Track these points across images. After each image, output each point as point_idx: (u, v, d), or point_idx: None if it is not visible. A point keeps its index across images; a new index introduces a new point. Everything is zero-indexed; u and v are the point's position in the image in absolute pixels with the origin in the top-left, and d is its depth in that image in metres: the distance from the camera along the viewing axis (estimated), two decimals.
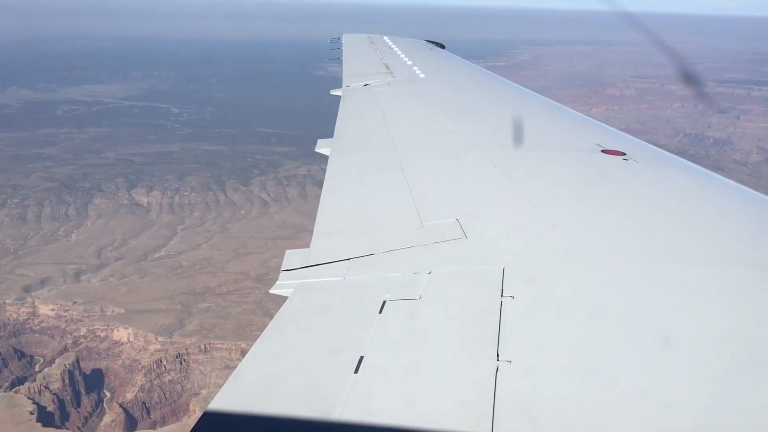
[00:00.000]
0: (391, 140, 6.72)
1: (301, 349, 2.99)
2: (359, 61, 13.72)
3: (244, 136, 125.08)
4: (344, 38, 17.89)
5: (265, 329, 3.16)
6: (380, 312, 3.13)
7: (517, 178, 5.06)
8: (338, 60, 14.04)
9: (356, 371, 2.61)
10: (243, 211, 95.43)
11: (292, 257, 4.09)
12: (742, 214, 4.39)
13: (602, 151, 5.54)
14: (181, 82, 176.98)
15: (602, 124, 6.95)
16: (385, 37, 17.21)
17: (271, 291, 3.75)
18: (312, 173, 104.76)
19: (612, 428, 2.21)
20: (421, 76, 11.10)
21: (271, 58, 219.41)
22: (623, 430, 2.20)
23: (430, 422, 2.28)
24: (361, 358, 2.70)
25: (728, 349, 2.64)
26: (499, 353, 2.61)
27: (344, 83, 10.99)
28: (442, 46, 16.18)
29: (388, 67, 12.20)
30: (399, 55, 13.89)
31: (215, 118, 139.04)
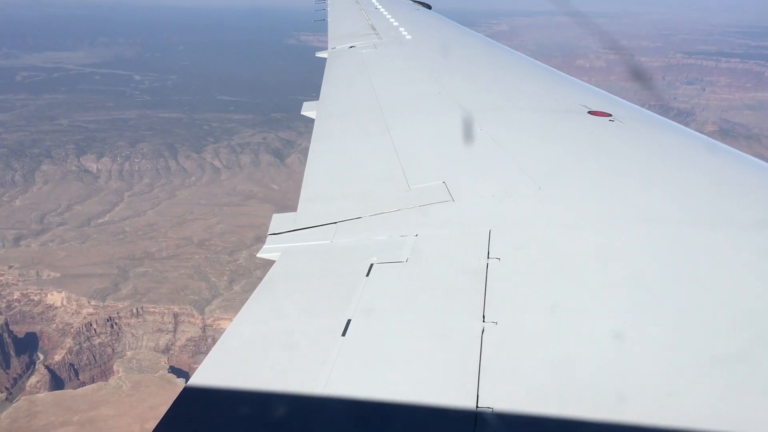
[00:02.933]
0: (377, 102, 6.68)
1: (289, 313, 3.02)
2: (345, 23, 13.57)
3: (204, 103, 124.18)
4: None
5: (253, 293, 3.14)
6: (367, 275, 3.11)
7: (503, 140, 4.99)
8: (323, 21, 14.07)
9: (344, 334, 2.62)
10: (193, 178, 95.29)
11: (278, 221, 4.03)
12: (726, 173, 4.29)
13: (588, 112, 5.47)
14: (147, 50, 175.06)
15: (589, 85, 6.87)
16: None
17: (259, 255, 3.71)
18: (267, 141, 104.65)
19: (597, 388, 2.20)
20: (408, 37, 11.00)
21: (243, 26, 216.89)
22: (609, 388, 2.19)
23: (417, 383, 2.30)
24: (349, 321, 2.71)
25: (715, 307, 2.64)
26: (485, 315, 2.62)
27: (330, 45, 10.87)
28: (429, 7, 16.01)
29: (374, 29, 12.05)
30: (385, 15, 13.74)
31: (177, 86, 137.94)
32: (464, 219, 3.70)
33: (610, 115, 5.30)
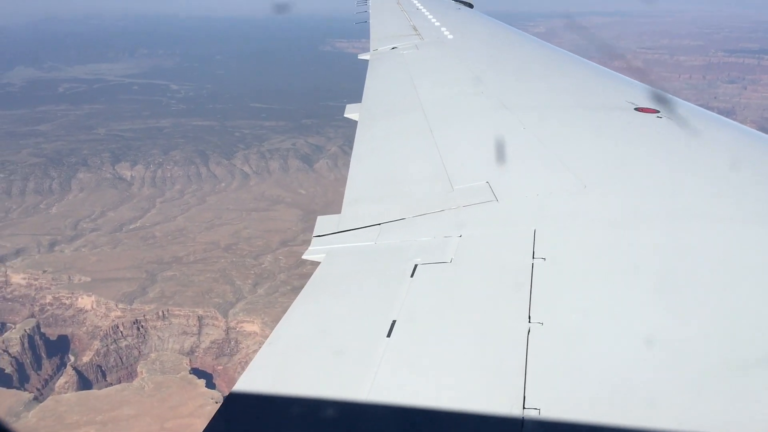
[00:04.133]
0: (419, 103, 6.62)
1: (334, 314, 3.03)
2: (386, 24, 13.53)
3: (237, 111, 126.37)
4: (371, 0, 17.62)
5: (299, 295, 3.15)
6: (412, 276, 3.10)
7: (547, 139, 4.93)
8: (365, 23, 14.00)
9: (389, 335, 2.60)
10: (223, 184, 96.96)
11: (323, 223, 4.06)
12: None
13: (635, 109, 5.35)
14: (185, 60, 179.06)
15: (637, 81, 6.70)
16: None
17: (304, 257, 3.73)
18: (296, 147, 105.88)
19: (647, 390, 2.16)
20: (450, 37, 10.93)
21: (280, 36, 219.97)
22: (659, 391, 2.15)
23: (463, 384, 2.30)
24: (394, 322, 2.69)
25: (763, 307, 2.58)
26: (531, 315, 2.58)
27: (372, 47, 10.88)
28: (471, 6, 15.68)
29: (415, 29, 11.96)
30: (427, 16, 13.64)
31: (212, 95, 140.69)
32: (508, 219, 3.66)
33: (658, 112, 5.20)
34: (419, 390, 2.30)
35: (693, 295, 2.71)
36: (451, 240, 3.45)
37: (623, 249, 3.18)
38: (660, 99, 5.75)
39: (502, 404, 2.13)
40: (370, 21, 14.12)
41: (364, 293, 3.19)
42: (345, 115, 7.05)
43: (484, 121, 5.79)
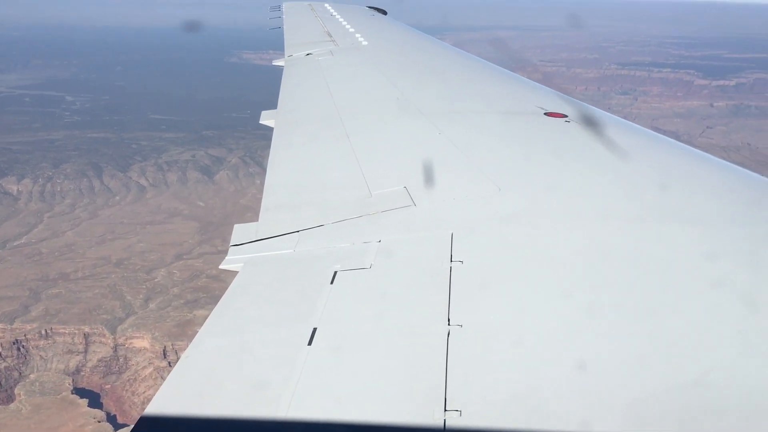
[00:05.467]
0: (336, 110, 6.63)
1: (253, 323, 2.97)
2: (301, 30, 13.59)
3: (135, 123, 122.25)
4: (284, 6, 17.56)
5: (217, 305, 3.08)
6: (332, 283, 3.10)
7: (462, 144, 5.03)
8: (279, 29, 13.86)
9: (310, 343, 2.58)
10: (117, 198, 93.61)
11: (240, 231, 4.01)
12: (680, 171, 4.37)
13: (545, 113, 5.56)
14: (82, 71, 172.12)
15: (545, 87, 6.96)
16: (326, 4, 17.00)
17: (221, 266, 3.67)
18: (196, 158, 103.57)
19: (564, 390, 2.20)
20: (364, 43, 11.01)
21: (184, 45, 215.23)
22: (576, 390, 2.19)
23: (385, 388, 2.28)
24: (314, 329, 2.67)
25: (675, 303, 2.68)
26: (450, 318, 2.61)
27: (286, 53, 10.91)
28: (384, 12, 15.92)
29: (330, 35, 12.07)
30: (341, 22, 13.71)
31: (110, 106, 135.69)
32: (427, 223, 3.72)
33: (566, 116, 5.41)
34: (341, 396, 2.30)
35: (605, 293, 2.78)
36: (370, 246, 3.48)
37: (538, 250, 3.27)
38: (568, 104, 5.99)
39: (425, 406, 2.17)
40: (284, 27, 14.14)
41: (284, 302, 3.17)
42: (260, 122, 7.01)
43: (400, 126, 5.89)
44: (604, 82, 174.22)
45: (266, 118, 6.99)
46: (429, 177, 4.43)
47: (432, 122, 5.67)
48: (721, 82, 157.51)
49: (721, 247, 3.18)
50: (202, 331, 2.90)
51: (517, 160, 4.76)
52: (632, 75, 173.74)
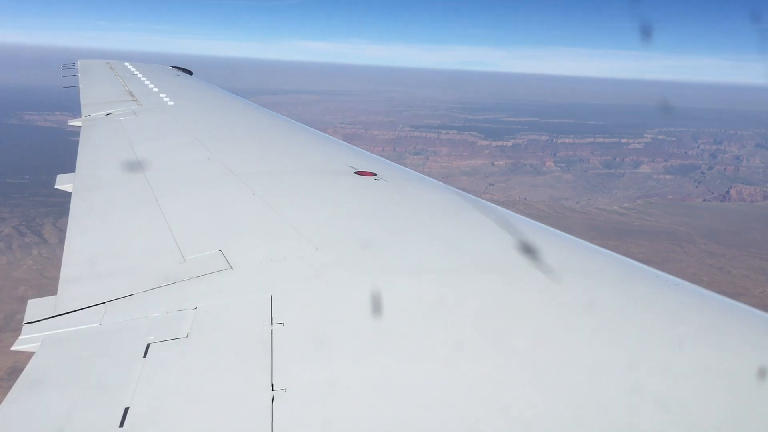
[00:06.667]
0: (142, 172, 6.18)
1: (55, 410, 2.57)
2: (99, 88, 12.68)
3: None
4: (79, 63, 16.43)
5: (8, 395, 2.64)
6: (144, 356, 2.86)
7: (277, 204, 4.93)
8: (72, 88, 12.92)
9: (121, 425, 2.38)
10: None
11: (35, 307, 3.55)
12: (479, 226, 4.53)
13: (356, 172, 5.71)
14: None
15: (354, 147, 7.09)
16: (126, 63, 16.29)
17: (13, 348, 3.22)
18: None
19: None
20: (170, 103, 10.54)
21: None
22: None
23: None
24: (126, 409, 2.46)
25: (476, 346, 2.79)
26: (274, 383, 2.55)
27: (83, 112, 9.99)
28: (190, 72, 15.44)
29: (132, 95, 11.46)
30: (144, 81, 13.14)
31: None
32: (245, 286, 3.57)
33: (375, 175, 5.63)
34: None
35: (426, 344, 2.81)
36: (186, 313, 3.28)
37: (357, 306, 3.24)
38: (376, 163, 6.30)
39: None
40: (80, 85, 13.14)
41: (91, 381, 2.80)
42: (56, 186, 6.33)
43: (213, 188, 5.69)
44: (399, 143, 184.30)
45: (62, 183, 6.36)
46: (245, 239, 4.36)
47: (245, 183, 5.58)
48: (500, 143, 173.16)
49: (520, 290, 3.43)
50: None
51: (333, 219, 4.75)
52: (424, 136, 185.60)
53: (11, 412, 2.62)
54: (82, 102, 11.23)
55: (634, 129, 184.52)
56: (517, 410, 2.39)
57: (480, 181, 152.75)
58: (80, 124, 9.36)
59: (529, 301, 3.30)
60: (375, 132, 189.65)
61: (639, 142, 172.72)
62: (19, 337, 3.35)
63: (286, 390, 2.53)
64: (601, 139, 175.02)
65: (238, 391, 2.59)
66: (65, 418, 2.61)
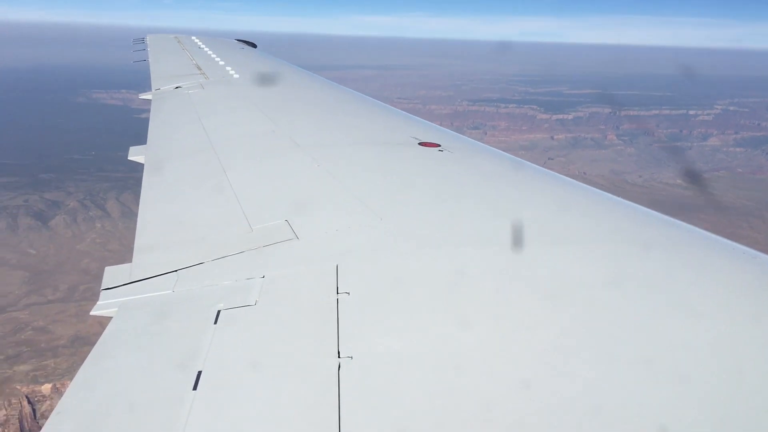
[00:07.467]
0: (210, 144, 6.40)
1: (132, 371, 2.76)
2: (168, 63, 13.01)
3: None
4: (149, 39, 16.83)
5: (88, 356, 2.81)
6: (215, 323, 2.97)
7: (341, 175, 4.99)
8: (143, 62, 13.28)
9: (195, 388, 2.48)
10: None
11: (112, 274, 3.72)
12: (549, 198, 4.43)
13: (419, 143, 5.65)
14: None
15: (418, 118, 7.06)
16: (194, 37, 16.47)
17: (92, 313, 3.35)
18: (29, 203, 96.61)
19: (462, 418, 2.20)
20: (236, 76, 10.70)
21: (23, 85, 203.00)
22: (475, 418, 2.19)
23: (277, 428, 2.24)
24: (200, 373, 2.57)
25: (553, 322, 2.74)
26: (340, 350, 2.60)
27: (153, 86, 10.33)
28: (254, 45, 15.59)
29: (199, 68, 11.71)
30: (210, 55, 13.37)
31: None
32: (310, 256, 3.62)
33: (439, 146, 5.54)
34: None
35: (491, 317, 2.78)
36: (254, 282, 3.36)
37: (422, 277, 3.22)
38: (440, 134, 6.22)
39: None
40: (150, 60, 13.64)
41: (165, 345, 2.94)
42: (129, 158, 6.64)
43: (278, 159, 5.77)
44: (457, 117, 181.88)
45: (135, 154, 6.63)
46: (310, 209, 4.40)
47: (310, 155, 5.63)
48: (560, 116, 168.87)
49: (593, 264, 3.27)
50: (72, 387, 2.63)
51: (396, 189, 4.74)
52: (482, 111, 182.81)
53: (91, 372, 2.75)
54: (152, 76, 11.52)
55: (703, 100, 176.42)
56: (598, 400, 2.30)
57: (538, 156, 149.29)
58: (150, 98, 9.67)
59: (607, 278, 3.14)
60: (433, 107, 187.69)
61: (708, 114, 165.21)
62: (98, 302, 3.48)
63: (352, 357, 2.56)
64: (667, 111, 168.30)
65: (305, 358, 2.63)
66: (141, 380, 2.70)
